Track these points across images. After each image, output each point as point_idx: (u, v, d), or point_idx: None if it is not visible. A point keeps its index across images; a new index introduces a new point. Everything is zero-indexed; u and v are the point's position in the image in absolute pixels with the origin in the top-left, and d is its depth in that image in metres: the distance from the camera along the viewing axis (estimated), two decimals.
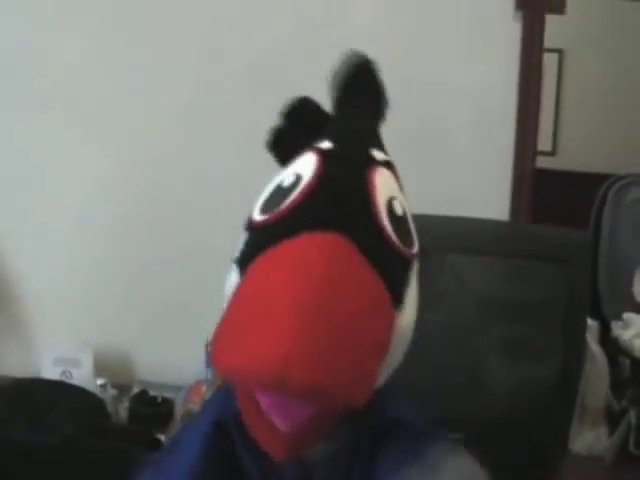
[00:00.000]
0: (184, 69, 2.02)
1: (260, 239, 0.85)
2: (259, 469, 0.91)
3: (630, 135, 2.26)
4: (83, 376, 1.93)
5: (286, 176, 0.89)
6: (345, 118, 0.95)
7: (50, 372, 1.93)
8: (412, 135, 1.96)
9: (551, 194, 2.15)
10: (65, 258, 2.07)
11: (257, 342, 0.75)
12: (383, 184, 0.88)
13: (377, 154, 0.91)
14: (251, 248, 0.85)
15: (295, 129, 0.98)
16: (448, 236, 1.60)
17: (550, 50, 2.14)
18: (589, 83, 2.28)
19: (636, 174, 2.12)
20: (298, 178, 0.87)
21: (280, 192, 0.88)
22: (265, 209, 0.87)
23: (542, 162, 2.13)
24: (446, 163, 2.04)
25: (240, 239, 0.89)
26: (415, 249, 0.90)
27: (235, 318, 0.80)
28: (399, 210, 0.88)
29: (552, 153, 2.28)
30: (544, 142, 2.17)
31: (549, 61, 2.15)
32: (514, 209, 2.06)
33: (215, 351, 0.79)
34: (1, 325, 2.09)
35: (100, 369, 1.95)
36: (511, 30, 2.02)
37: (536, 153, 2.08)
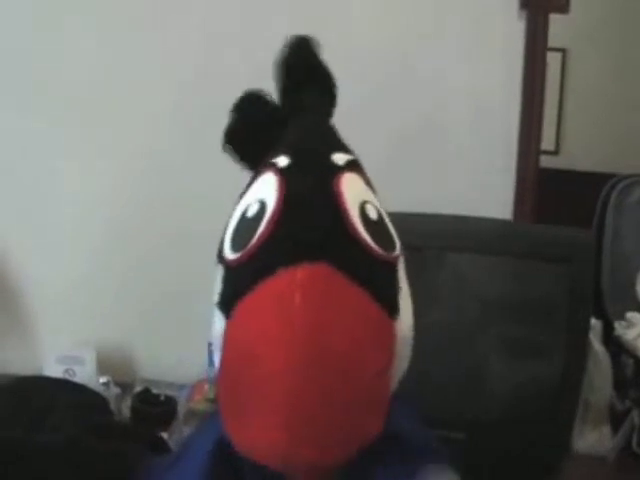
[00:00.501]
0: (183, 63, 2.02)
1: (237, 280, 0.82)
2: None
3: (634, 135, 2.25)
4: (86, 374, 1.92)
5: (249, 204, 0.87)
6: (297, 124, 0.92)
7: (53, 370, 1.93)
8: (414, 134, 1.96)
9: (554, 193, 2.14)
10: (68, 256, 2.07)
11: (257, 428, 0.74)
12: (351, 191, 0.84)
13: (338, 158, 0.88)
14: (229, 290, 0.84)
15: (247, 124, 0.96)
16: (449, 235, 1.60)
17: (553, 49, 2.13)
18: (593, 82, 2.28)
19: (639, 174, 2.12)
20: (262, 205, 0.84)
21: (246, 223, 0.85)
22: (235, 245, 0.85)
23: (545, 161, 2.13)
24: (448, 163, 2.04)
25: (216, 275, 0.87)
26: (397, 250, 0.87)
27: (228, 385, 0.79)
28: (373, 214, 0.85)
29: (555, 152, 2.28)
30: (547, 141, 2.17)
31: (552, 60, 2.14)
32: (517, 208, 2.05)
33: (224, 420, 0.78)
34: (4, 323, 2.09)
35: (103, 367, 1.95)
36: (515, 29, 2.02)
37: (540, 152, 2.08)
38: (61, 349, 1.96)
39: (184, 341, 1.99)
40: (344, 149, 0.91)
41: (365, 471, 0.87)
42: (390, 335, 0.81)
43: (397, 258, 0.87)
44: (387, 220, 0.89)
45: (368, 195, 0.88)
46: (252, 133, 0.94)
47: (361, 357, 0.76)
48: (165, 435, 1.71)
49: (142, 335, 2.08)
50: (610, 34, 2.31)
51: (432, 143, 2.02)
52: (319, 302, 0.75)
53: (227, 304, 0.82)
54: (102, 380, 1.91)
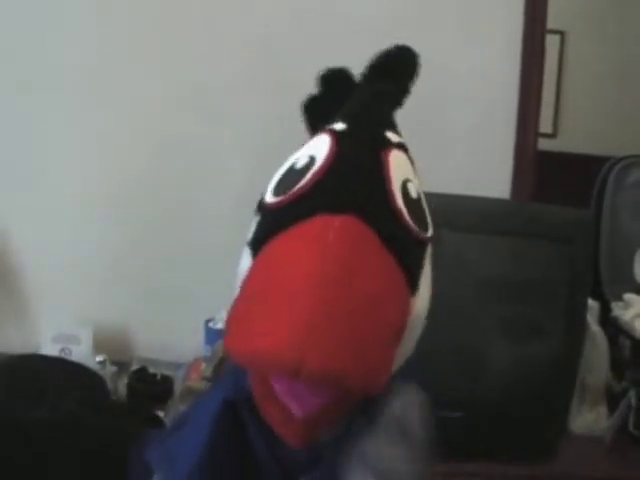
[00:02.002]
0: (182, 54, 2.01)
1: (273, 221, 0.84)
2: (269, 449, 0.90)
3: (632, 117, 2.25)
4: (82, 353, 1.92)
5: (299, 157, 0.88)
6: (361, 100, 0.93)
7: (49, 349, 1.93)
8: (414, 116, 1.94)
9: (552, 176, 2.14)
10: (65, 235, 2.06)
11: (271, 328, 0.74)
12: (398, 166, 0.86)
13: (392, 136, 0.89)
14: (264, 230, 0.84)
15: (328, 97, 0.97)
16: (449, 214, 1.59)
17: (552, 31, 2.13)
18: (591, 65, 2.27)
19: (637, 155, 2.12)
20: (312, 159, 0.86)
21: (293, 173, 0.86)
22: (278, 191, 0.86)
23: (543, 144, 2.13)
24: (447, 144, 2.05)
25: (252, 223, 0.88)
26: (429, 233, 0.88)
27: (248, 301, 0.79)
28: (414, 193, 0.87)
29: (553, 135, 2.27)
30: (545, 124, 2.16)
31: (551, 42, 2.13)
32: (515, 190, 2.06)
33: (228, 336, 0.78)
34: (0, 302, 2.08)
35: (99, 346, 1.95)
36: (514, 11, 2.02)
37: (538, 134, 2.08)
38: (57, 328, 1.96)
39: (180, 320, 2.00)
40: (398, 134, 0.93)
41: (358, 435, 0.87)
42: (406, 304, 0.82)
43: (427, 239, 0.88)
44: (425, 205, 0.90)
45: (412, 175, 0.89)
46: (330, 106, 0.94)
47: (379, 307, 0.77)
48: (161, 413, 1.72)
49: (138, 314, 2.07)
50: (609, 16, 2.30)
51: (431, 124, 2.01)
52: (351, 247, 0.77)
53: (260, 243, 0.83)
54: (98, 359, 1.91)
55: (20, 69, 2.02)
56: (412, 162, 0.92)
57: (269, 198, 0.86)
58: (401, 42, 1.91)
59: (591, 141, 2.26)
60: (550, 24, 2.05)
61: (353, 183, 0.83)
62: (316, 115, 0.97)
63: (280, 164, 0.90)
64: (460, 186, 1.68)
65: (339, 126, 0.89)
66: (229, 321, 0.80)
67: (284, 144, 0.93)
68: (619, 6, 2.32)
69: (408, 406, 0.88)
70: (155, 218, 2.05)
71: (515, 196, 2.05)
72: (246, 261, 0.85)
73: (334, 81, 0.98)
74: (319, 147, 0.87)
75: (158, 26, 2.02)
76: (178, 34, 2.01)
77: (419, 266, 0.85)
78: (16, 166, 2.05)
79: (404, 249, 0.82)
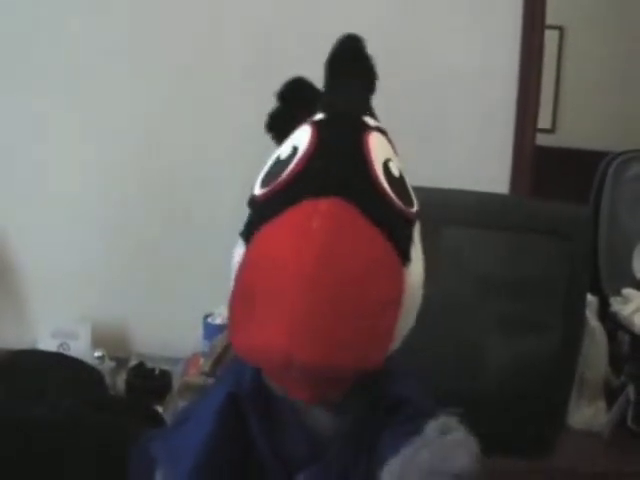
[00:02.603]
0: (181, 46, 2.01)
1: (262, 211, 0.86)
2: (271, 444, 0.91)
3: (630, 113, 2.25)
4: (81, 348, 1.92)
5: (284, 149, 0.90)
6: (335, 90, 0.96)
7: (47, 344, 1.93)
8: (414, 111, 1.97)
9: (551, 171, 2.14)
10: (63, 230, 2.06)
11: (261, 324, 0.77)
12: (378, 147, 0.89)
13: (369, 120, 0.92)
14: (255, 220, 0.86)
15: (291, 110, 0.99)
16: (447, 208, 1.59)
17: (551, 27, 2.13)
18: (590, 60, 2.27)
19: (636, 150, 2.12)
20: (295, 149, 0.88)
21: (279, 164, 0.89)
22: (265, 182, 0.88)
23: (542, 139, 2.13)
24: (446, 139, 2.05)
25: (246, 216, 0.89)
26: (415, 208, 0.91)
27: (241, 298, 0.82)
28: (396, 171, 0.89)
29: (552, 130, 2.27)
30: (544, 119, 2.16)
31: (549, 38, 2.13)
32: (514, 186, 2.06)
33: (229, 332, 0.82)
34: None
35: (98, 341, 1.95)
36: (512, 7, 2.02)
37: (536, 129, 2.07)
38: (56, 323, 1.96)
39: (179, 315, 2.00)
40: (376, 119, 0.95)
41: (375, 433, 0.88)
42: (400, 274, 0.83)
43: (414, 215, 0.90)
44: (408, 183, 0.92)
45: (392, 156, 0.91)
46: (295, 119, 0.96)
47: (371, 281, 0.79)
48: (160, 409, 1.72)
49: (137, 309, 2.08)
50: (608, 12, 2.30)
51: (430, 119, 2.02)
52: (337, 228, 0.79)
53: (250, 231, 0.85)
54: (97, 354, 1.91)
55: (20, 69, 2.03)
56: (392, 144, 0.94)
57: (257, 191, 0.89)
58: (401, 40, 1.93)
59: (590, 137, 2.26)
60: (549, 19, 2.05)
61: (336, 166, 0.85)
62: (283, 131, 0.97)
63: None
64: (459, 181, 1.68)
65: (318, 116, 0.91)
66: (229, 317, 0.83)
67: None
68: (618, 2, 2.32)
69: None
70: (154, 215, 2.05)
71: (514, 191, 2.05)
72: (239, 251, 0.87)
73: (294, 93, 1.00)
74: (301, 137, 0.89)
75: (158, 27, 2.02)
76: (178, 35, 2.01)
77: (408, 239, 0.88)
78: (15, 166, 2.05)
79: (391, 224, 0.84)
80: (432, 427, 0.85)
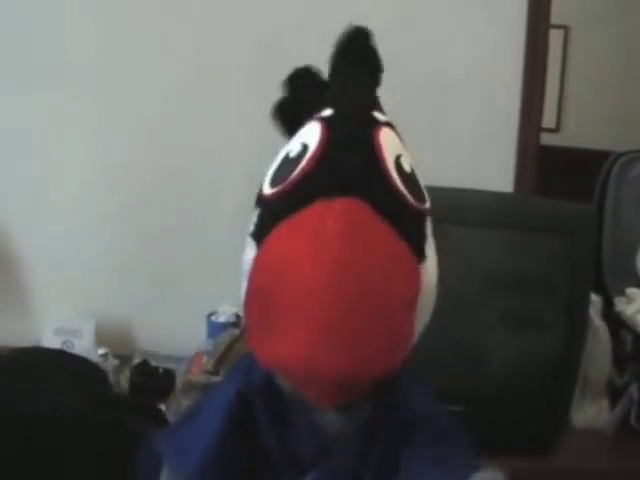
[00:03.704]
0: (182, 37, 2.01)
1: (274, 211, 0.85)
2: (280, 443, 0.90)
3: (635, 112, 2.25)
4: (84, 346, 1.92)
5: (292, 147, 0.89)
6: (342, 85, 0.95)
7: (51, 342, 1.93)
8: (417, 110, 1.96)
9: (555, 171, 2.14)
10: (66, 227, 2.06)
11: (281, 336, 0.77)
12: (389, 143, 0.88)
13: (378, 115, 0.91)
14: (266, 220, 0.85)
15: (298, 98, 0.98)
16: (451, 207, 1.59)
17: (556, 26, 2.13)
18: (594, 60, 2.28)
19: None
20: (305, 147, 0.87)
21: (288, 163, 0.88)
22: (275, 182, 0.87)
23: (546, 139, 2.13)
24: (450, 137, 2.05)
25: (252, 216, 0.89)
26: (427, 204, 0.90)
27: (257, 303, 0.81)
28: (407, 167, 0.88)
29: (556, 130, 2.27)
30: (548, 119, 2.17)
31: (554, 37, 2.14)
32: (518, 184, 2.06)
33: (249, 338, 0.81)
34: (2, 295, 2.08)
35: (101, 339, 1.95)
36: (517, 6, 2.02)
37: (540, 128, 2.07)
38: (59, 321, 1.96)
39: (182, 314, 2.00)
40: (384, 114, 0.94)
41: (391, 456, 0.88)
42: (416, 272, 0.83)
43: (426, 211, 0.90)
44: (418, 177, 0.92)
45: (403, 151, 0.91)
46: (301, 108, 0.95)
47: (390, 284, 0.78)
48: (163, 407, 1.72)
49: (141, 308, 2.07)
50: (612, 12, 2.30)
51: (434, 118, 2.02)
52: (352, 230, 0.78)
53: (263, 233, 0.84)
54: (100, 352, 1.90)
55: (19, 67, 2.02)
56: (401, 139, 0.93)
57: (267, 190, 0.88)
58: (406, 38, 1.92)
59: (594, 136, 2.26)
60: (554, 19, 2.05)
61: (348, 165, 0.84)
62: (289, 119, 0.97)
63: None
64: (463, 180, 1.68)
65: (326, 112, 0.90)
66: (246, 322, 0.83)
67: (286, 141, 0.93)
68: (623, 1, 2.32)
69: None
70: (158, 212, 2.05)
71: (518, 191, 2.05)
72: (250, 252, 0.86)
73: (302, 81, 0.99)
74: (310, 134, 0.88)
75: (158, 24, 2.02)
76: (179, 33, 2.01)
77: (422, 236, 0.87)
78: (17, 159, 2.05)
79: (405, 222, 0.84)
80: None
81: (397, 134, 0.92)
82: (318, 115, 0.91)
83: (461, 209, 1.63)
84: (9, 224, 2.05)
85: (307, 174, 0.84)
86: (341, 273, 0.76)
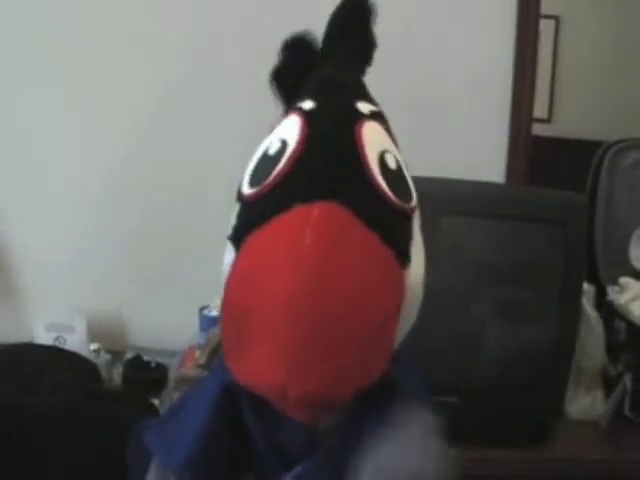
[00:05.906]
0: (174, 32, 2.01)
1: (252, 214, 0.83)
2: (266, 436, 0.90)
3: (627, 103, 2.25)
4: (77, 342, 1.91)
5: (271, 143, 0.87)
6: (326, 72, 0.92)
7: (43, 338, 1.91)
8: (409, 99, 1.96)
9: (547, 161, 2.14)
10: (58, 223, 2.05)
11: (255, 358, 0.75)
12: (372, 138, 0.85)
13: (363, 106, 0.88)
14: (244, 224, 0.84)
15: (295, 64, 0.96)
16: (443, 198, 1.59)
17: (547, 16, 2.12)
18: (586, 50, 2.27)
19: (632, 139, 2.12)
20: (284, 144, 0.85)
21: (267, 161, 0.85)
22: (254, 181, 0.85)
23: (538, 129, 2.12)
24: (442, 128, 2.04)
25: (232, 212, 0.87)
26: (413, 202, 0.87)
27: (231, 313, 0.79)
28: (392, 164, 0.86)
29: (548, 120, 2.27)
30: (540, 109, 2.16)
31: (545, 28, 2.13)
32: (510, 175, 2.06)
33: (225, 352, 0.79)
34: None
35: (94, 334, 1.94)
36: None
37: (532, 119, 2.07)
38: (51, 317, 1.95)
39: (175, 308, 1.99)
40: (370, 100, 0.92)
41: (357, 419, 0.87)
42: (399, 282, 0.81)
43: (412, 209, 0.87)
44: (406, 172, 0.89)
45: (389, 145, 0.88)
46: (295, 74, 0.94)
47: (368, 299, 0.76)
48: (156, 402, 1.72)
49: (133, 303, 2.07)
50: (603, 1, 2.30)
51: (426, 108, 2.01)
52: (330, 241, 0.76)
53: (239, 237, 0.82)
54: (93, 347, 1.90)
55: (18, 66, 2.01)
56: (389, 130, 0.90)
57: (246, 189, 0.86)
58: (398, 25, 1.91)
59: (586, 126, 2.26)
60: (544, 9, 2.05)
61: (327, 167, 0.81)
62: (286, 84, 0.96)
63: None
64: (455, 171, 1.68)
65: (307, 105, 0.88)
66: (222, 336, 0.81)
67: None
68: None
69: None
70: (150, 207, 2.05)
71: (510, 181, 2.05)
72: (229, 256, 0.84)
73: (300, 47, 0.97)
74: (290, 129, 0.86)
75: (157, 21, 2.01)
76: (176, 30, 2.00)
77: (407, 238, 0.85)
78: (10, 156, 2.04)
79: (388, 225, 0.81)
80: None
81: (384, 126, 0.90)
82: (299, 106, 0.88)
83: (453, 200, 1.63)
84: (1, 221, 2.04)
85: (285, 177, 0.82)
86: (315, 289, 0.74)
